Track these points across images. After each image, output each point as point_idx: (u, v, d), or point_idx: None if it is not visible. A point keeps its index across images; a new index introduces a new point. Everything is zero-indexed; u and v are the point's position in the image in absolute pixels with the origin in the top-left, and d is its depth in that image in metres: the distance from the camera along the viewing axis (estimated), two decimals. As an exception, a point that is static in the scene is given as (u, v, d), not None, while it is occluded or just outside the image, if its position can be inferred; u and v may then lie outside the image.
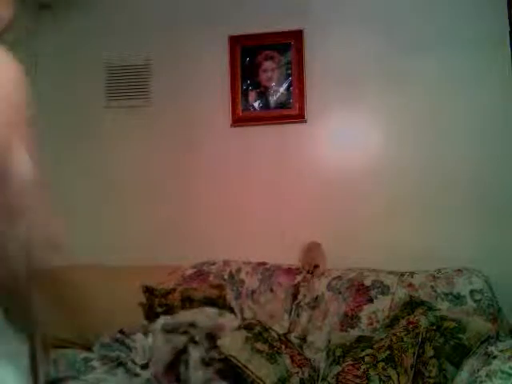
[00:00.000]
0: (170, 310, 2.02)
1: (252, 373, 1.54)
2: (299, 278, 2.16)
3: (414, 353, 1.41)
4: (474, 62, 2.29)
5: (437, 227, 2.28)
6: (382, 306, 1.92)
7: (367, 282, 2.01)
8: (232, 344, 1.64)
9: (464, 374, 1.29)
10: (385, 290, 1.97)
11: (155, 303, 2.09)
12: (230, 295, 2.15)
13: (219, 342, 1.64)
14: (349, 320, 1.93)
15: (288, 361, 1.63)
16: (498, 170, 2.25)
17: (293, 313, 2.07)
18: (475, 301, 1.81)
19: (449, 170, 2.30)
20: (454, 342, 1.41)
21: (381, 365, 1.39)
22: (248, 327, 1.76)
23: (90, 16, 2.72)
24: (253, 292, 2.19)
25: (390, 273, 2.05)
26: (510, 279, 2.07)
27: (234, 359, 1.58)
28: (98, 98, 2.68)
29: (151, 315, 2.06)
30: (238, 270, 2.27)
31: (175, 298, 2.07)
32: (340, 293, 2.02)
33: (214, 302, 2.02)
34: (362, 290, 2.00)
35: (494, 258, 2.14)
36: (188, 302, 2.03)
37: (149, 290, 2.13)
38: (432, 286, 1.91)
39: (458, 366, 1.36)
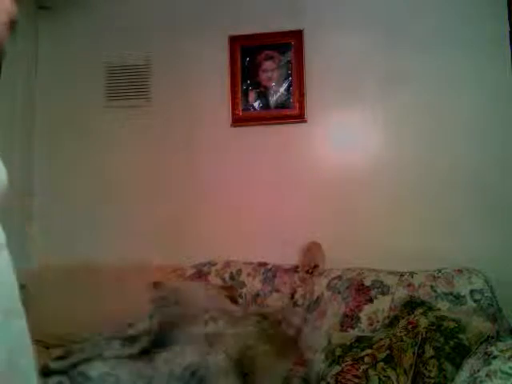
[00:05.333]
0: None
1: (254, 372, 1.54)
2: (296, 277, 2.16)
3: (413, 353, 1.41)
4: (474, 61, 2.29)
5: (437, 227, 2.28)
6: (382, 306, 1.92)
7: (367, 282, 2.02)
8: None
9: (464, 374, 1.29)
10: (385, 289, 1.97)
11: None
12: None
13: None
14: (349, 320, 1.93)
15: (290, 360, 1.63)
16: (498, 169, 2.25)
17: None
18: (475, 301, 1.81)
19: (449, 170, 2.30)
20: (453, 342, 1.41)
21: (380, 365, 1.39)
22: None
23: (90, 16, 2.72)
24: (256, 294, 2.17)
25: (390, 273, 2.05)
26: (511, 279, 2.08)
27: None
28: (97, 98, 2.68)
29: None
30: (239, 271, 2.27)
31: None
32: (339, 292, 2.02)
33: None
34: (361, 290, 2.00)
35: (494, 257, 2.14)
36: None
37: (158, 286, 2.12)
38: (432, 286, 1.92)
39: (458, 366, 1.36)
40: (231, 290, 2.16)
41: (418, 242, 2.25)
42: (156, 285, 2.12)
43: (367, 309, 1.94)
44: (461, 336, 1.42)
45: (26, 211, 2.63)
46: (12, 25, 0.63)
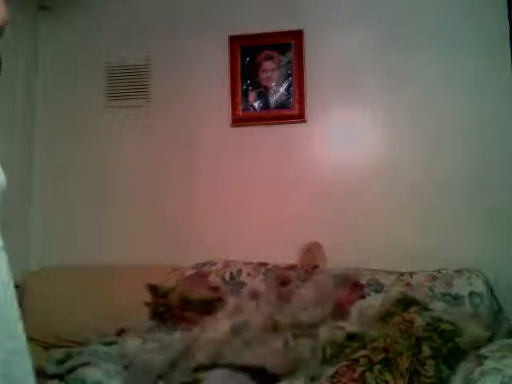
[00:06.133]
0: (170, 311, 2.02)
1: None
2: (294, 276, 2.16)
3: (408, 356, 1.41)
4: (474, 61, 2.29)
5: (437, 227, 2.28)
6: (374, 302, 1.93)
7: (363, 280, 2.02)
8: None
9: (458, 379, 1.30)
10: (378, 288, 1.98)
11: (156, 302, 2.08)
12: (227, 297, 2.13)
13: None
14: (339, 313, 1.94)
15: None
16: (499, 169, 2.25)
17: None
18: (473, 305, 1.81)
19: (449, 170, 2.30)
20: (450, 345, 1.42)
21: (377, 368, 1.38)
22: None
23: (90, 16, 2.72)
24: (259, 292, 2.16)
25: (390, 273, 2.05)
26: (511, 279, 2.08)
27: None
28: (97, 98, 2.68)
29: (154, 315, 2.06)
30: (239, 271, 2.27)
31: (174, 299, 2.06)
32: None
33: (212, 304, 2.01)
34: (356, 287, 2.01)
35: (494, 257, 2.14)
36: (186, 303, 2.02)
37: (152, 289, 2.12)
38: (430, 287, 1.92)
39: (453, 369, 1.36)
40: (217, 291, 2.14)
41: (418, 242, 2.24)
42: (149, 287, 2.12)
43: (359, 304, 1.95)
44: (457, 339, 1.42)
45: (26, 211, 2.63)
46: (2, 28, 0.63)
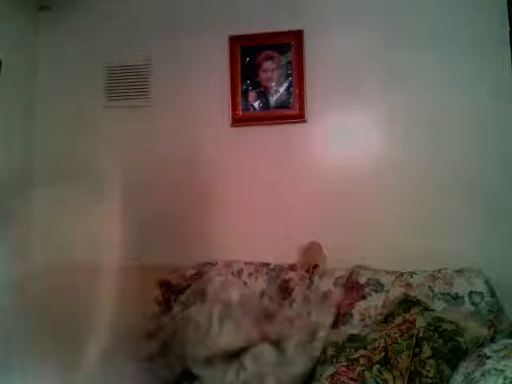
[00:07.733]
0: (185, 308, 2.02)
1: None
2: (294, 275, 2.16)
3: (408, 355, 1.41)
4: (474, 61, 2.29)
5: (437, 227, 2.28)
6: (375, 302, 1.93)
7: (363, 280, 2.03)
8: None
9: (459, 378, 1.29)
10: (379, 287, 1.98)
11: (171, 298, 2.08)
12: None
13: None
14: (340, 317, 1.94)
15: None
16: (499, 169, 2.25)
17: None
18: (473, 304, 1.81)
19: (449, 170, 2.30)
20: (451, 345, 1.42)
21: (376, 367, 1.38)
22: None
23: (90, 16, 2.72)
24: (262, 292, 2.17)
25: (390, 273, 2.05)
26: (511, 279, 2.07)
27: None
28: (98, 98, 2.68)
29: (167, 311, 2.06)
30: (240, 271, 2.27)
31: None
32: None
33: None
34: (355, 288, 2.01)
35: (494, 257, 2.14)
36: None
37: (165, 285, 2.12)
38: (430, 286, 1.92)
39: (453, 368, 1.36)
40: None
41: (419, 242, 2.24)
42: (162, 284, 2.12)
43: (359, 305, 1.96)
44: (458, 339, 1.42)
45: (26, 211, 2.63)
46: None
